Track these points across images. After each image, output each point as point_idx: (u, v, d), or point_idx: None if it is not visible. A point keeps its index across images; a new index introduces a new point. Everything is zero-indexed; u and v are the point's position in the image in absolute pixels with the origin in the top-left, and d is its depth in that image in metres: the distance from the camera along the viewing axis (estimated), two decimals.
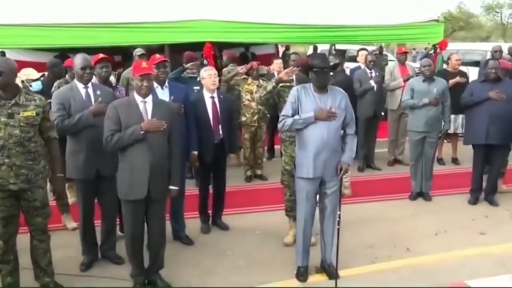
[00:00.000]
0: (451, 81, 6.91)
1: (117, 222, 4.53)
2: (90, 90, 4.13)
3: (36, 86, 5.60)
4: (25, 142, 3.47)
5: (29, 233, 3.76)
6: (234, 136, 5.30)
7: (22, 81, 5.34)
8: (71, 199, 5.68)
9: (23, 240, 3.78)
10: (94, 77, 4.31)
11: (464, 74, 7.36)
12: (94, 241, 4.37)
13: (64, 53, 8.08)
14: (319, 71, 3.84)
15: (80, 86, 4.11)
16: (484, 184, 5.96)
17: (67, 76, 5.63)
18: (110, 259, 4.35)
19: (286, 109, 3.94)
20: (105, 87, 4.34)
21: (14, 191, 3.48)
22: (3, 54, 8.62)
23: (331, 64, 4.42)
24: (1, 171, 3.42)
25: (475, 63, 11.01)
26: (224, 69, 7.44)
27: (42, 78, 5.93)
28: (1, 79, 3.38)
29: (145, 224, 3.85)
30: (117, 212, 4.30)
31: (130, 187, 3.65)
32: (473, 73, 9.05)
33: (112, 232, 4.40)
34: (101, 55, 4.48)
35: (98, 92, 4.14)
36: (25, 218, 3.69)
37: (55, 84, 5.43)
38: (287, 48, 15.81)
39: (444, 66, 7.83)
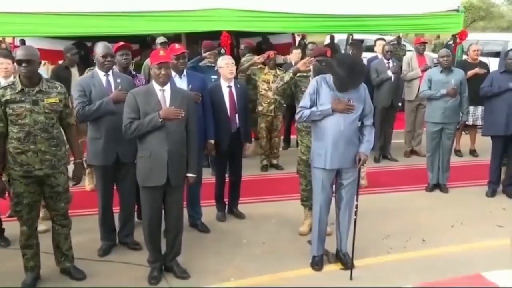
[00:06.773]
0: (470, 72, 6.83)
1: (135, 209, 4.59)
2: (111, 78, 4.18)
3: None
4: (49, 128, 3.55)
5: (50, 219, 3.86)
6: (248, 125, 5.31)
7: None
8: (89, 185, 5.79)
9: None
10: (114, 66, 4.36)
11: (485, 65, 7.26)
12: (113, 227, 4.45)
13: (81, 41, 8.16)
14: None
15: (100, 73, 4.16)
16: (502, 176, 5.90)
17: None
18: (128, 245, 4.42)
19: (305, 101, 3.93)
20: (125, 75, 4.38)
21: (39, 176, 3.56)
22: (23, 42, 8.76)
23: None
24: (27, 157, 3.49)
25: (496, 54, 10.84)
26: (243, 59, 7.42)
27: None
28: (31, 68, 3.46)
29: (163, 211, 3.91)
30: (135, 199, 4.36)
31: (149, 173, 3.69)
32: (494, 64, 8.91)
33: (130, 219, 4.46)
34: (121, 43, 4.52)
35: (118, 80, 4.19)
36: (47, 204, 3.77)
37: (86, 72, 5.49)
38: (303, 37, 15.69)
39: (464, 57, 7.73)
